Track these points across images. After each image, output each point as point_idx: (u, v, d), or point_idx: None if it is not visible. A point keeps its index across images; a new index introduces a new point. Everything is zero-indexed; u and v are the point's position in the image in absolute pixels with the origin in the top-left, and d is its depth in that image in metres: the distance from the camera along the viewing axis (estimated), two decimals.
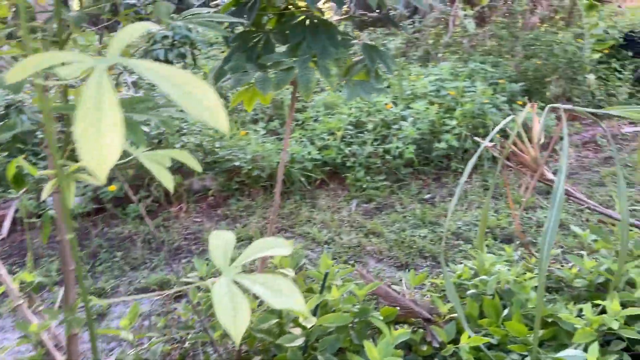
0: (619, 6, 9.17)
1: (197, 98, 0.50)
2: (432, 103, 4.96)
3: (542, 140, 2.30)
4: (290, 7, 1.85)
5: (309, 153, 4.14)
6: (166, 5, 1.11)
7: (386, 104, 4.93)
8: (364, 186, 4.15)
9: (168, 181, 0.86)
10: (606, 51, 5.66)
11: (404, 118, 4.66)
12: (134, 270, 3.21)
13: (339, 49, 1.69)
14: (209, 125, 0.52)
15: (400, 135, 4.41)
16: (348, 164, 4.28)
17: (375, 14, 1.96)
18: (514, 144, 2.33)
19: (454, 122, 4.54)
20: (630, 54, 6.29)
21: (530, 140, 2.30)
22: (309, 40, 1.66)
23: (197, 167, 0.89)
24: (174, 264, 3.27)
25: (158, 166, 0.86)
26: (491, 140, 2.31)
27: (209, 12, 1.28)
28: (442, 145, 4.38)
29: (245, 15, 1.74)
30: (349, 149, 4.34)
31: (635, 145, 4.96)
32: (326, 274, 1.53)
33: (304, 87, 1.59)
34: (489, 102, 4.68)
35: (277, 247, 0.80)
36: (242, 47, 1.74)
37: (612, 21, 6.44)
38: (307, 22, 1.74)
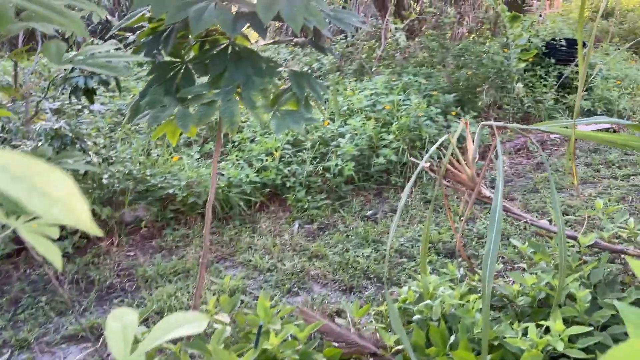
0: (540, 15, 9.65)
1: (41, 190, 0.39)
2: (368, 118, 4.96)
3: (477, 158, 2.29)
4: (212, 34, 1.74)
5: (247, 176, 4.01)
6: (57, 45, 0.98)
7: (324, 121, 4.89)
8: (306, 206, 4.06)
9: (55, 258, 0.73)
10: (531, 60, 5.89)
11: (342, 135, 4.63)
12: (60, 316, 2.96)
13: (264, 78, 1.59)
14: (63, 223, 0.41)
15: (339, 153, 4.37)
16: (288, 184, 4.18)
17: (301, 39, 1.88)
18: (450, 162, 2.31)
19: (391, 137, 4.55)
20: (553, 61, 6.58)
21: (465, 158, 2.29)
22: (232, 70, 1.56)
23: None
24: (105, 305, 3.05)
25: (42, 240, 0.73)
26: (431, 156, 2.28)
27: (109, 51, 1.15)
28: (381, 160, 4.37)
29: (161, 46, 1.62)
30: (288, 169, 4.25)
31: (563, 150, 5.15)
32: (259, 328, 1.42)
33: (229, 122, 1.48)
34: (424, 115, 4.72)
35: (190, 323, 0.69)
36: (160, 79, 1.62)
37: (535, 31, 6.73)
38: (230, 50, 1.63)
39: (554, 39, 6.77)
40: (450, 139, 2.21)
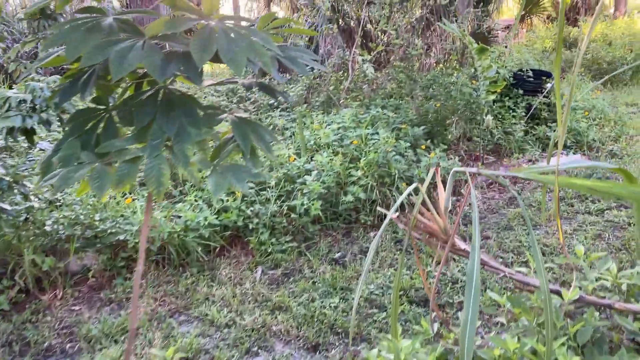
0: (505, 46, 9.74)
1: None
2: (336, 153, 4.76)
3: (450, 208, 2.09)
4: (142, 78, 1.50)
5: (206, 219, 3.73)
6: None
7: (289, 157, 4.67)
8: (270, 250, 3.80)
9: None
10: (499, 91, 5.82)
11: (308, 171, 4.41)
12: None
13: (201, 129, 1.36)
14: None
15: (305, 191, 4.14)
16: (251, 226, 3.92)
17: (248, 80, 1.66)
18: (420, 212, 2.11)
19: (359, 173, 4.35)
20: (520, 92, 6.55)
21: (437, 206, 2.08)
22: (161, 120, 1.32)
23: None
24: None
25: None
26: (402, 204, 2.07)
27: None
28: (349, 198, 4.15)
29: (81, 92, 1.37)
30: (251, 209, 3.99)
31: (535, 183, 5.04)
32: None
33: (155, 184, 1.24)
34: (393, 150, 4.55)
35: None
36: (78, 130, 1.37)
37: (502, 62, 6.71)
38: (161, 96, 1.40)
39: (520, 70, 6.76)
40: (419, 187, 2.00)
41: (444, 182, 2.14)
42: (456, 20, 7.02)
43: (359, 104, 5.81)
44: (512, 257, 3.62)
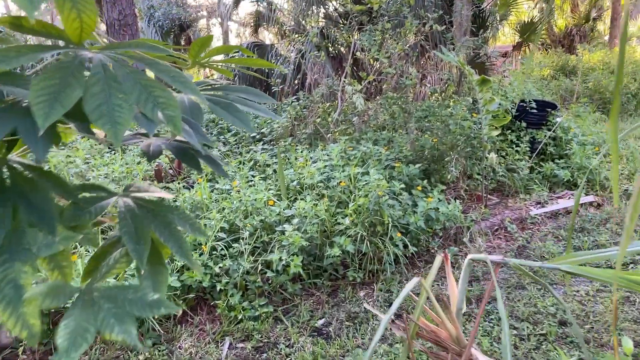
0: (504, 75, 9.31)
1: None
2: (321, 196, 4.21)
3: (464, 309, 1.53)
4: None
5: None
6: None
7: (268, 200, 4.11)
8: (240, 316, 3.20)
9: None
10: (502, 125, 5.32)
11: (289, 218, 3.84)
12: None
13: (55, 233, 0.80)
14: None
15: (284, 243, 3.56)
16: (219, 286, 3.33)
17: (159, 142, 1.10)
18: (425, 313, 1.54)
19: (347, 221, 3.78)
20: (524, 124, 6.06)
21: (446, 307, 1.52)
22: None
23: None
24: None
25: None
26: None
27: None
28: (336, 251, 3.57)
29: None
30: (220, 265, 3.41)
31: (546, 229, 4.49)
32: None
33: None
34: (386, 194, 4.00)
35: None
36: None
37: (503, 92, 6.23)
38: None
39: (523, 101, 6.27)
40: (422, 282, 1.44)
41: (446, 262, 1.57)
42: (453, 48, 6.57)
43: (348, 138, 5.28)
44: (528, 328, 3.03)
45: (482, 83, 4.52)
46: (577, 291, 3.41)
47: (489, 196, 5.12)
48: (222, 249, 3.54)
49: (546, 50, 16.45)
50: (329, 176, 4.40)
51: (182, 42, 15.55)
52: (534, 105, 6.09)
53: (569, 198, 4.92)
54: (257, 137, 6.27)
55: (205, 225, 3.62)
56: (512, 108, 5.98)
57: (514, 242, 4.29)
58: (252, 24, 11.12)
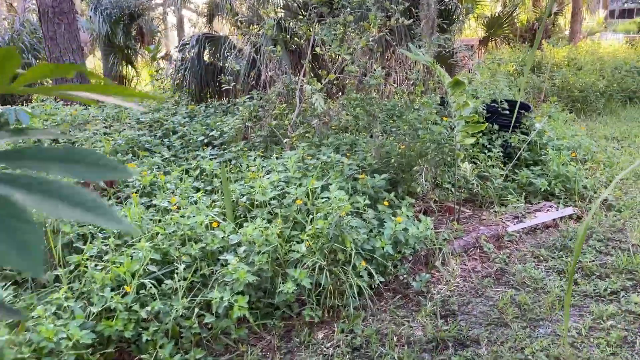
0: (469, 70, 8.91)
1: None
2: (274, 215, 3.65)
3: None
4: None
5: (71, 337, 2.51)
6: None
7: (212, 222, 3.51)
8: None
9: None
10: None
11: (234, 247, 3.26)
12: None
13: None
14: None
15: (227, 278, 2.98)
16: (146, 335, 2.72)
17: None
18: None
19: (303, 248, 3.23)
20: (495, 127, 5.63)
21: None
22: None
23: None
24: None
25: None
26: None
27: None
28: (290, 286, 3.01)
29: None
30: (148, 309, 2.80)
31: (524, 248, 4.05)
32: None
33: None
34: (349, 212, 3.46)
35: None
36: None
37: (473, 92, 5.78)
38: None
39: (494, 101, 5.85)
40: None
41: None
42: (419, 46, 6.08)
43: (307, 144, 4.70)
44: None
45: (455, 85, 4.03)
46: (569, 330, 2.96)
47: (461, 208, 4.66)
48: (150, 287, 2.93)
49: (508, 44, 16.28)
50: (284, 192, 3.83)
51: (134, 33, 14.62)
52: (505, 105, 5.66)
53: (548, 211, 4.50)
54: (205, 140, 5.63)
55: (131, 257, 2.99)
56: (483, 109, 5.53)
57: (491, 263, 3.83)
58: (206, 13, 10.38)
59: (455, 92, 4.10)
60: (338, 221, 3.30)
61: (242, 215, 3.82)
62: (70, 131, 5.90)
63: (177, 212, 3.60)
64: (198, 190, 4.25)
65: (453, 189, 4.71)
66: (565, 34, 20.25)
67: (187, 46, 7.76)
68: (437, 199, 4.74)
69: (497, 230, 4.20)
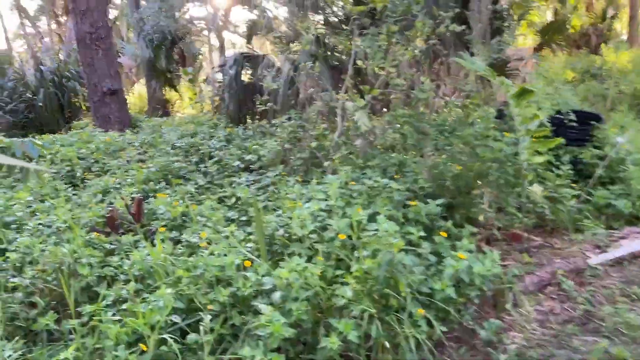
0: (524, 80, 8.24)
1: None
2: (314, 251, 3.19)
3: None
4: None
5: None
6: None
7: (244, 260, 3.09)
8: None
9: None
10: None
11: (268, 292, 2.81)
12: None
13: None
14: None
15: (260, 332, 2.53)
16: None
17: None
18: None
19: (349, 292, 2.75)
20: (562, 141, 4.99)
21: None
22: None
23: None
24: None
25: None
26: None
27: None
28: (334, 341, 2.54)
29: None
30: None
31: (611, 283, 3.42)
32: None
33: None
34: (402, 249, 2.96)
35: None
36: None
37: (536, 103, 5.18)
38: None
39: (559, 112, 5.22)
40: None
41: None
42: (471, 54, 5.55)
43: (350, 168, 4.23)
44: None
45: (520, 96, 3.49)
46: None
47: (529, 235, 4.06)
48: (174, 339, 2.52)
49: (562, 51, 15.36)
50: (324, 224, 3.37)
51: (176, 57, 14.69)
52: (572, 117, 5.03)
53: (635, 238, 3.85)
54: (242, 165, 5.27)
55: (150, 309, 2.59)
56: (548, 122, 4.92)
57: (573, 304, 3.23)
58: (244, 32, 10.19)
59: (519, 104, 3.56)
60: (389, 260, 2.80)
61: (278, 251, 3.38)
62: (104, 159, 5.68)
63: (208, 248, 3.21)
64: (232, 221, 3.86)
65: (519, 214, 4.12)
66: (622, 38, 19.10)
67: (225, 66, 7.51)
68: (500, 225, 4.16)
69: (576, 262, 3.58)
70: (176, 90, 14.71)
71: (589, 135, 5.00)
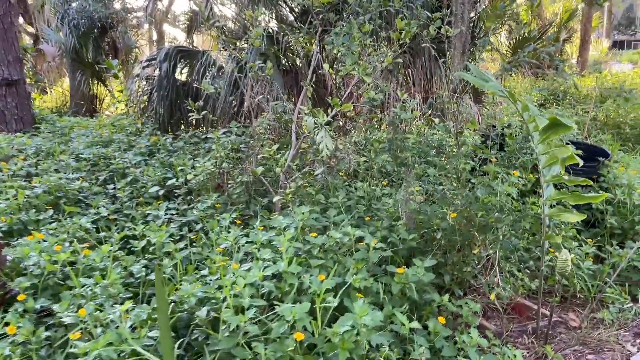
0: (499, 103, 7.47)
1: None
2: (252, 356, 2.04)
3: None
4: None
5: None
6: None
7: None
8: None
9: None
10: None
11: None
12: None
13: None
14: None
15: None
16: None
17: None
18: None
19: None
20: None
21: None
22: None
23: None
24: None
25: None
26: None
27: None
28: None
29: None
30: None
31: None
32: None
33: None
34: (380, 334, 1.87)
35: None
36: None
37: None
38: None
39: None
40: None
41: None
42: (448, 68, 4.59)
43: (310, 208, 3.10)
44: None
45: (549, 129, 2.49)
46: None
47: (540, 308, 3.08)
48: None
49: (523, 75, 14.92)
50: (274, 303, 2.23)
51: (106, 48, 13.05)
52: (579, 152, 4.14)
53: None
54: (162, 191, 4.01)
55: None
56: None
57: None
58: (184, 25, 8.88)
59: (546, 139, 2.57)
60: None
61: (196, 350, 2.20)
62: None
63: (82, 339, 1.99)
64: (129, 288, 2.63)
65: (523, 277, 3.13)
66: (572, 62, 19.15)
67: (154, 61, 6.21)
68: (499, 291, 3.16)
69: (612, 358, 2.62)
70: (105, 86, 13.09)
71: (597, 174, 4.13)
